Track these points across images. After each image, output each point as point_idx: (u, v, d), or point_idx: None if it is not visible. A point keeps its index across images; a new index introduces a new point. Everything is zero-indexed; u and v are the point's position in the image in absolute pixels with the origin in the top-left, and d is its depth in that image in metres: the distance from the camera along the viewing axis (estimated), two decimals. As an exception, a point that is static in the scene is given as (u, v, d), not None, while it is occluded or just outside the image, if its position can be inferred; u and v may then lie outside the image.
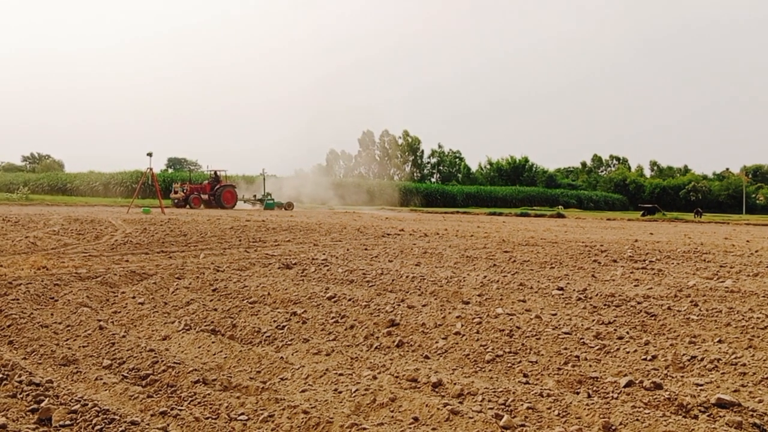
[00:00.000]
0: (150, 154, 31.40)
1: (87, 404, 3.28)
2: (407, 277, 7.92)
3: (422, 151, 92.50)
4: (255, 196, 42.18)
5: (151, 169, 33.80)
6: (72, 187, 60.94)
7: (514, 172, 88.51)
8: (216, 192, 38.40)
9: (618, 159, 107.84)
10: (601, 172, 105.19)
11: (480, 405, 3.49)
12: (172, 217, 22.75)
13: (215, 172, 41.23)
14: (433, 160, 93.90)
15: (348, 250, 11.68)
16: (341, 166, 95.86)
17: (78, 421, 3.12)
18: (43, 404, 3.28)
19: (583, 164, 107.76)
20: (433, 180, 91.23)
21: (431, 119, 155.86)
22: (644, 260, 10.48)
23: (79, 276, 7.64)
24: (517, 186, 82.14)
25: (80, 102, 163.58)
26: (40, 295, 6.34)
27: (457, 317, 5.48)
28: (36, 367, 4.09)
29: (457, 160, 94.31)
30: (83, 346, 4.63)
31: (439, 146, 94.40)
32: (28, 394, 3.47)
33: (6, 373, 3.82)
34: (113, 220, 18.44)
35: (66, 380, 3.85)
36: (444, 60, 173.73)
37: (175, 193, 38.56)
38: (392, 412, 3.40)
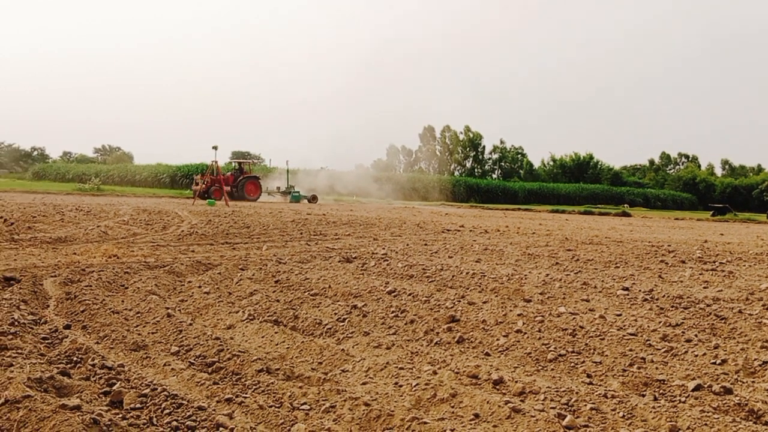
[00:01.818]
0: (215, 148, 32.16)
1: (156, 389, 3.39)
2: (467, 273, 7.87)
3: (484, 147, 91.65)
4: (278, 188, 41.98)
5: (216, 161, 34.62)
6: (140, 178, 62.87)
7: (578, 169, 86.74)
8: (239, 183, 37.21)
9: (687, 157, 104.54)
10: (670, 170, 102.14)
11: (542, 404, 3.45)
12: (236, 209, 23.22)
13: (239, 163, 40.22)
14: (495, 156, 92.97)
15: (408, 245, 11.69)
16: (401, 161, 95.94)
17: (148, 405, 3.23)
18: (114, 387, 3.41)
19: (651, 162, 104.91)
20: (494, 176, 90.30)
21: (494, 115, 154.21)
22: (714, 262, 10.13)
23: (147, 265, 7.89)
24: (580, 183, 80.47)
25: (150, 96, 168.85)
26: (112, 283, 6.57)
27: (519, 315, 5.42)
28: (108, 351, 4.25)
29: (519, 156, 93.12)
30: (152, 333, 4.78)
31: (501, 142, 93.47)
32: (100, 377, 3.61)
33: (80, 356, 3.98)
34: (179, 212, 18.96)
35: (136, 365, 3.99)
36: (509, 56, 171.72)
37: (196, 184, 37.23)
38: (453, 407, 3.39)
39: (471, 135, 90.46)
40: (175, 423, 3.03)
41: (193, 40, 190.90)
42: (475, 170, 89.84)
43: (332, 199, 47.88)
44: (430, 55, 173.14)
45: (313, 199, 39.46)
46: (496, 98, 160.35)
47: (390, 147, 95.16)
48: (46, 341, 4.33)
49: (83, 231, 11.50)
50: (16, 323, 4.61)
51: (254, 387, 3.63)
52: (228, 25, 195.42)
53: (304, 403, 3.39)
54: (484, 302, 6.00)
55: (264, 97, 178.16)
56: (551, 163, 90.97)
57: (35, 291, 5.96)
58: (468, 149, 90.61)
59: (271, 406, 3.32)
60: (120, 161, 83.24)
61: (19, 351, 3.93)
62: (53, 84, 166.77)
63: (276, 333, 4.83)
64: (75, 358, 3.94)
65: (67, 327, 4.74)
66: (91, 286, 6.24)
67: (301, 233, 13.50)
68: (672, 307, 6.15)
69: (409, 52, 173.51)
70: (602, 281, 7.58)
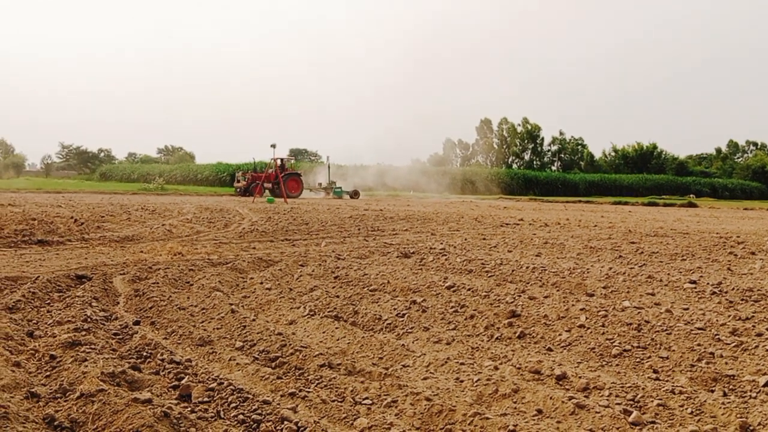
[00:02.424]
0: (274, 146, 32.67)
1: (223, 383, 3.48)
2: (527, 267, 7.78)
3: (542, 139, 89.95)
4: (320, 184, 41.89)
5: (274, 160, 35.17)
6: (202, 177, 64.29)
7: (641, 160, 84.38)
8: (280, 180, 35.50)
9: (756, 144, 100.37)
10: (738, 158, 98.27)
11: (607, 400, 3.39)
12: (294, 206, 23.54)
13: (281, 160, 38.77)
14: (554, 148, 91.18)
15: (466, 239, 11.62)
16: (457, 154, 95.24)
17: (215, 399, 3.32)
18: (183, 381, 3.51)
19: (718, 150, 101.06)
20: (553, 168, 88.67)
21: (553, 106, 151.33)
22: (787, 253, 9.74)
23: (211, 262, 8.08)
24: (644, 174, 78.23)
25: (210, 96, 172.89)
26: (177, 280, 6.76)
27: (581, 310, 5.33)
28: (176, 346, 4.38)
29: (579, 147, 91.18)
30: (217, 328, 4.90)
31: (561, 133, 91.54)
32: (169, 372, 3.72)
33: (150, 351, 4.11)
34: (240, 209, 19.34)
35: (203, 360, 4.09)
36: (567, 45, 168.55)
37: (238, 182, 37.68)
38: (515, 403, 3.37)
39: (529, 127, 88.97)
40: (241, 416, 3.10)
41: (249, 41, 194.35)
42: (534, 162, 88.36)
43: (386, 194, 47.96)
44: (487, 46, 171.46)
45: (354, 194, 39.44)
46: (554, 89, 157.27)
47: (446, 141, 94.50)
48: (117, 337, 4.49)
49: (149, 230, 11.86)
50: (89, 320, 4.80)
51: (317, 381, 3.69)
52: (286, 24, 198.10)
53: (366, 398, 3.42)
54: (546, 297, 5.92)
55: (321, 94, 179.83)
56: (613, 153, 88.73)
57: (106, 288, 6.18)
58: (526, 141, 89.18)
59: (333, 401, 3.37)
60: (182, 161, 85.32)
61: (93, 346, 4.09)
62: (118, 87, 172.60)
63: (336, 328, 4.89)
64: (145, 353, 4.08)
65: (137, 323, 4.90)
66: (158, 283, 6.44)
67: (359, 229, 13.59)
68: (742, 300, 5.94)
69: (464, 43, 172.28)
70: (668, 274, 7.37)
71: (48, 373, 3.62)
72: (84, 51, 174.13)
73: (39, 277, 6.30)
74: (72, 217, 13.31)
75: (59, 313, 5.02)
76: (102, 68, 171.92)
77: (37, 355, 3.96)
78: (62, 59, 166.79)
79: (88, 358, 3.79)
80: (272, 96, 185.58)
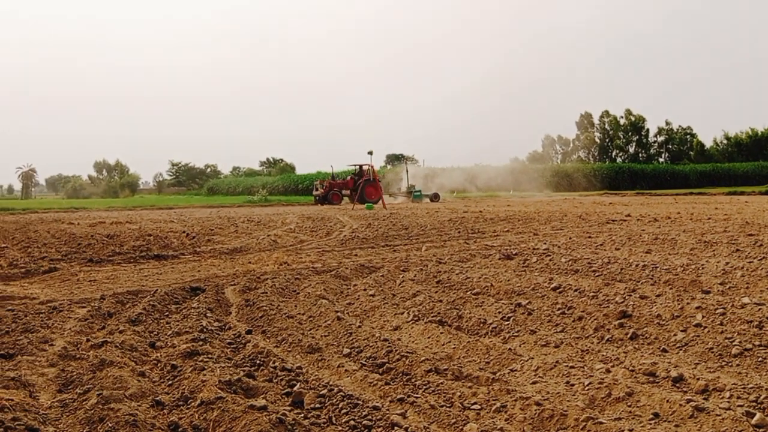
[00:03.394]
0: (371, 153, 33.19)
1: (333, 389, 3.57)
2: (637, 265, 7.49)
3: (647, 130, 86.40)
4: (399, 188, 41.59)
5: (371, 166, 35.62)
6: (303, 187, 65.89)
7: (756, 146, 79.32)
8: (358, 187, 35.29)
9: None
10: None
11: (728, 402, 3.22)
12: (394, 211, 23.73)
13: (360, 167, 38.28)
14: (660, 139, 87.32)
15: (570, 238, 11.34)
16: (557, 151, 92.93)
17: (326, 405, 3.40)
18: (295, 388, 3.62)
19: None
20: (660, 160, 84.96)
21: (657, 94, 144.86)
22: None
23: (315, 270, 8.28)
24: (760, 161, 73.54)
25: (307, 106, 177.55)
26: (284, 289, 6.97)
27: (697, 308, 5.08)
28: (287, 354, 4.52)
29: (688, 136, 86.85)
30: (325, 336, 5.02)
31: (667, 123, 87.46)
32: (282, 379, 3.85)
33: (262, 359, 4.26)
34: (341, 217, 19.71)
35: (313, 367, 4.21)
36: (669, 34, 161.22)
37: (316, 190, 37.84)
38: (629, 406, 3.26)
39: (632, 118, 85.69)
40: (352, 422, 3.17)
41: (343, 48, 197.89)
42: (639, 155, 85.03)
43: (484, 195, 47.48)
44: (586, 38, 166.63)
45: (434, 197, 38.93)
46: (659, 76, 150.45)
47: (545, 137, 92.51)
48: (232, 346, 4.69)
49: (255, 241, 12.29)
50: (205, 330, 5.03)
51: (424, 387, 3.70)
52: (374, 31, 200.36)
53: (475, 403, 3.41)
54: (658, 296, 5.68)
55: (417, 98, 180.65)
56: (725, 141, 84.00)
57: (218, 299, 6.47)
58: (630, 133, 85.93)
59: (442, 406, 3.38)
60: (283, 172, 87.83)
61: (210, 356, 4.29)
62: (222, 105, 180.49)
63: (441, 333, 4.89)
64: (258, 361, 4.24)
65: (249, 332, 5.10)
66: (266, 292, 6.66)
67: (459, 232, 13.54)
68: None
69: (564, 34, 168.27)
70: (792, 267, 6.90)
71: (170, 382, 3.83)
72: (187, 78, 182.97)
73: (157, 290, 6.68)
74: (184, 232, 14.01)
75: (177, 324, 5.30)
76: (205, 88, 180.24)
77: (159, 365, 4.20)
78: (169, 85, 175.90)
79: (206, 367, 3.97)
80: (369, 102, 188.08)
